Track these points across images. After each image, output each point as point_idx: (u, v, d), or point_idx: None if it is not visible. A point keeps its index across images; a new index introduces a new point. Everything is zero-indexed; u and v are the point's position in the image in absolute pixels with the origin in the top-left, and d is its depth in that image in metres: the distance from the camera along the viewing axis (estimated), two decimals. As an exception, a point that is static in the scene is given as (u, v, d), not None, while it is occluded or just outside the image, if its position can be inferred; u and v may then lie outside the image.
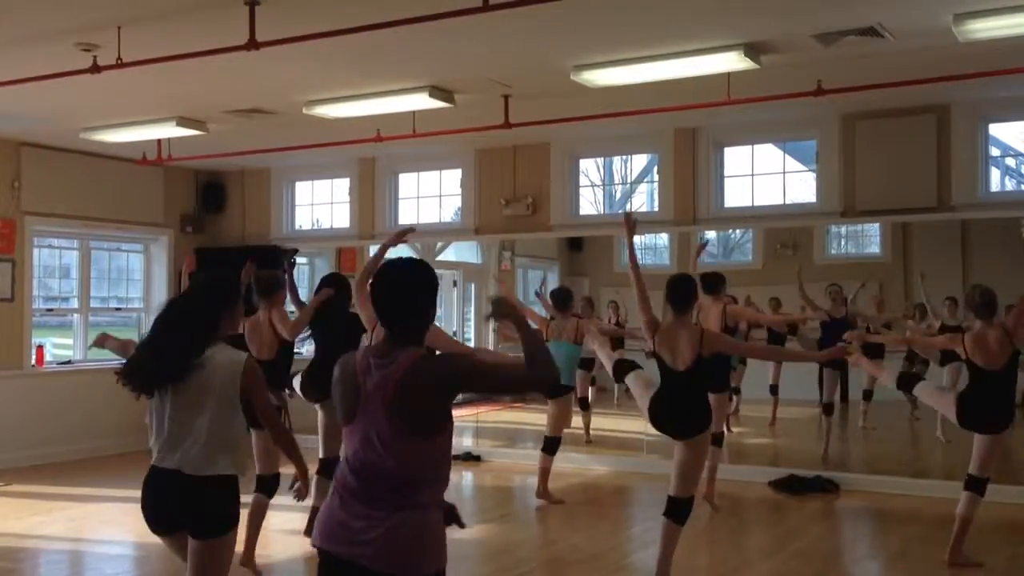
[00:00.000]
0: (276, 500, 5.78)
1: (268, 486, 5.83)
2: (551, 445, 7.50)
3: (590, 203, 10.82)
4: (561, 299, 7.60)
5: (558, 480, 7.88)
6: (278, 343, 5.82)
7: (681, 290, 5.26)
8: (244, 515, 4.21)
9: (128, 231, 10.73)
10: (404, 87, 7.13)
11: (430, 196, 10.73)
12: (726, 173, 9.17)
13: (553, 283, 14.61)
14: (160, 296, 11.03)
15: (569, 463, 8.81)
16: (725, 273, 7.83)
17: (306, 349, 7.22)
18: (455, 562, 6.26)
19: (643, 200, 11.71)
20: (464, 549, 6.57)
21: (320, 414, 6.41)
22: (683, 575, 5.98)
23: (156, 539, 5.86)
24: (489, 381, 2.72)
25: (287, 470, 4.69)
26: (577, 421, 9.45)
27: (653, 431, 5.50)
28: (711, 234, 13.01)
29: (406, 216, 10.73)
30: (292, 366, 6.12)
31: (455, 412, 2.64)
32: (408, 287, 2.70)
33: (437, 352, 3.01)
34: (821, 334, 9.13)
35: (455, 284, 13.20)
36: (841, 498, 7.86)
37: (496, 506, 7.67)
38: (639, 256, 5.53)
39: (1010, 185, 9.65)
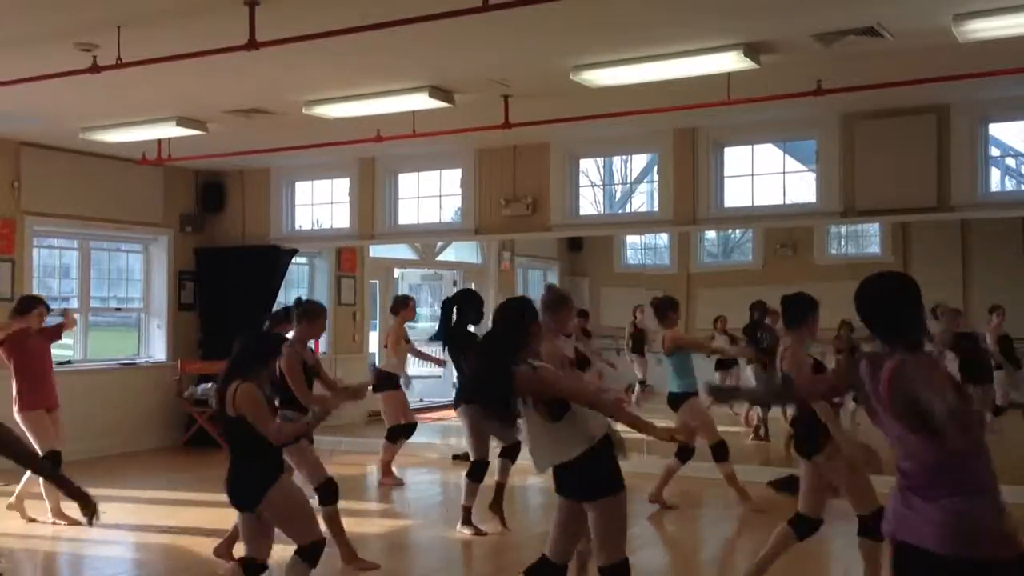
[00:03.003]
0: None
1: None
2: None
3: (590, 203, 10.82)
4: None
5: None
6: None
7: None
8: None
9: (128, 231, 10.72)
10: (404, 87, 7.13)
11: (430, 196, 10.72)
12: (726, 173, 9.16)
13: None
14: (160, 296, 11.03)
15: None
16: (725, 273, 7.82)
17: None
18: (455, 562, 6.29)
19: (643, 200, 11.72)
20: (464, 549, 6.58)
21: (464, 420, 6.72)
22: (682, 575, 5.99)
23: (157, 539, 5.89)
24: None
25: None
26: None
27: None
28: (711, 234, 13.07)
29: (406, 216, 10.73)
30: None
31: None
32: (891, 297, 3.00)
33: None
34: None
35: (455, 284, 13.21)
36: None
37: (496, 506, 7.64)
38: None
39: (1010, 185, 9.67)
